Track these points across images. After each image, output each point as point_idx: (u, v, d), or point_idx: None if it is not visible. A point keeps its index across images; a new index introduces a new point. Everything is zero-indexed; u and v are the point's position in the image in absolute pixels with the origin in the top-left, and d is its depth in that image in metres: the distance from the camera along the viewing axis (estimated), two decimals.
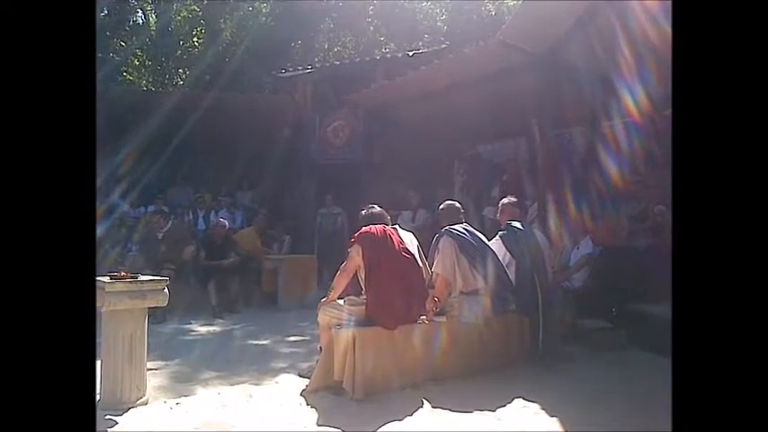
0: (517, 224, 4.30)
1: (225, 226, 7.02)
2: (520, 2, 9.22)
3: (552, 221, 6.20)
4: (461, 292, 3.81)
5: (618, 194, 6.29)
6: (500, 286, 3.90)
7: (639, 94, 5.55)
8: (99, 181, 6.88)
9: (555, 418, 2.95)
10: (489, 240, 4.27)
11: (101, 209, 6.96)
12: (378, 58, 10.52)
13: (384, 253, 3.50)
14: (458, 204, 4.22)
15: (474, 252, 3.85)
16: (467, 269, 3.80)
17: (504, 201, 4.54)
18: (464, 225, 4.02)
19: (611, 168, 6.25)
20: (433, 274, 3.79)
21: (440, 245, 3.84)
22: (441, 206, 4.26)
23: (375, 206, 3.85)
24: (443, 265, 3.76)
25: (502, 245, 4.19)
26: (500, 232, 4.32)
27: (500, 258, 4.13)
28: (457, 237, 3.85)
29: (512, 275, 4.10)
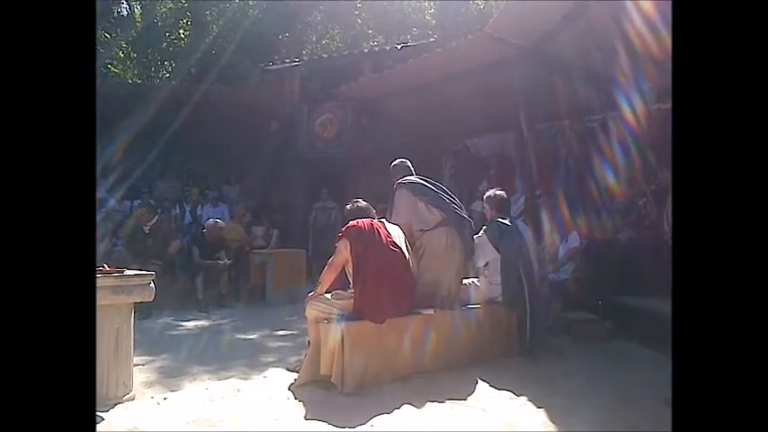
0: (502, 218, 4.32)
1: (221, 227, 6.98)
2: None
3: (539, 215, 6.24)
4: (422, 230, 3.93)
5: (604, 188, 6.33)
6: (459, 219, 4.04)
7: (627, 89, 5.58)
8: None
9: (542, 410, 2.97)
10: (475, 235, 4.29)
11: None
12: (366, 51, 10.47)
13: (372, 247, 3.50)
14: (407, 162, 4.35)
15: (429, 193, 4.03)
16: (424, 209, 3.96)
17: (488, 194, 4.55)
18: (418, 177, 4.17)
19: (598, 162, 6.29)
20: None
21: (395, 197, 4.06)
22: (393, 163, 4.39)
23: (360, 200, 3.86)
24: (399, 213, 3.96)
25: (487, 240, 4.21)
26: (484, 227, 4.34)
27: (484, 253, 4.16)
28: (410, 185, 4.06)
29: (497, 270, 4.13)
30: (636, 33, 4.79)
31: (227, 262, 6.73)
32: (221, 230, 6.94)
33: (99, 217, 7.01)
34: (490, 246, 4.18)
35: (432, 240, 3.93)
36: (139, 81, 13.70)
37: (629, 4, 4.57)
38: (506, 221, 4.30)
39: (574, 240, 5.37)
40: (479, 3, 15.23)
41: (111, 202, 8.05)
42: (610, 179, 6.27)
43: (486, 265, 4.23)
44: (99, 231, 6.49)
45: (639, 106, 5.83)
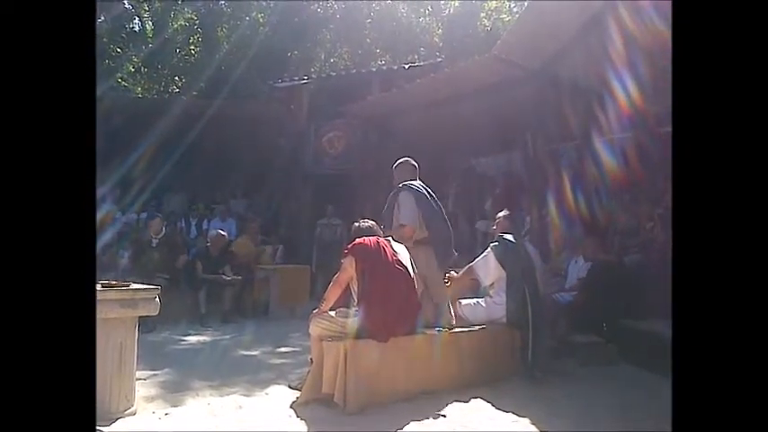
0: (509, 237, 4.32)
1: (225, 237, 6.99)
2: (515, 17, 9.31)
3: (545, 235, 6.23)
4: (415, 242, 3.96)
5: (610, 209, 6.33)
6: (443, 236, 4.05)
7: (635, 111, 5.60)
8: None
9: None
10: (481, 253, 4.29)
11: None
12: (374, 69, 10.59)
13: (377, 265, 3.50)
14: (413, 162, 4.34)
15: (426, 206, 4.03)
16: (420, 221, 3.98)
17: (501, 214, 4.59)
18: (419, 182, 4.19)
19: (605, 183, 6.29)
20: (400, 226, 3.96)
21: (401, 198, 4.03)
22: (396, 164, 4.37)
23: (367, 220, 3.87)
24: (408, 216, 3.97)
25: (493, 257, 4.20)
26: (492, 244, 4.33)
27: (490, 271, 4.16)
28: (415, 192, 4.05)
29: (502, 289, 4.12)
30: (643, 55, 4.83)
31: (233, 278, 6.70)
32: (226, 242, 6.94)
33: (106, 230, 7.07)
34: (497, 263, 4.17)
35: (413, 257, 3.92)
36: (149, 95, 13.88)
37: (636, 26, 4.61)
38: (513, 239, 4.30)
39: (583, 269, 5.34)
40: (487, 24, 15.41)
41: (119, 215, 8.11)
42: (616, 201, 6.27)
43: (492, 285, 4.22)
44: (106, 244, 6.53)
45: (647, 128, 5.85)
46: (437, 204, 4.15)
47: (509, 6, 16.08)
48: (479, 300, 4.30)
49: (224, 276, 6.62)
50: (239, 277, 6.75)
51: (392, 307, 3.44)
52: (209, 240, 7.06)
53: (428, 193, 4.13)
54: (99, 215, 7.19)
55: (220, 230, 7.16)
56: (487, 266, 4.22)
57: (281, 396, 3.54)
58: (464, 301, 4.30)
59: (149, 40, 15.02)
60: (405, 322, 3.55)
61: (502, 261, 4.17)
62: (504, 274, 4.16)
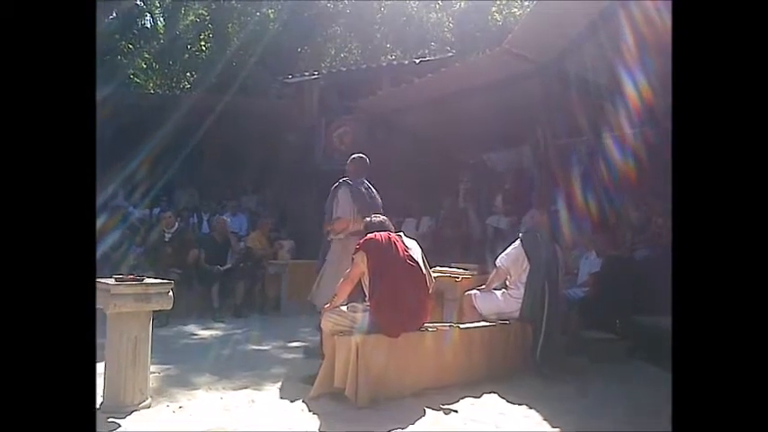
0: (538, 231, 4.33)
1: (225, 222, 7.03)
2: (527, 12, 9.25)
3: (557, 230, 6.19)
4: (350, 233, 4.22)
5: (621, 204, 6.29)
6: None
7: (644, 106, 5.55)
8: (104, 183, 6.93)
9: (557, 429, 2.94)
10: (510, 244, 4.33)
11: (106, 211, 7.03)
12: (384, 64, 10.55)
13: (389, 260, 3.51)
14: (366, 160, 4.71)
15: (362, 200, 4.37)
16: (355, 214, 4.25)
17: (534, 209, 4.64)
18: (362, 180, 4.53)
19: (615, 178, 6.25)
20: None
21: (339, 193, 4.42)
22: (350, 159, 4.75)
23: (379, 216, 3.88)
24: (344, 210, 4.31)
25: (522, 250, 4.19)
26: (522, 234, 4.33)
27: (517, 263, 4.19)
28: (351, 187, 4.43)
29: (521, 282, 4.12)
30: (654, 49, 4.77)
31: (233, 265, 6.72)
32: (227, 229, 6.99)
33: (118, 225, 7.14)
34: (524, 256, 4.16)
35: (344, 247, 4.14)
36: (160, 91, 13.94)
37: (647, 21, 4.57)
38: (541, 234, 4.30)
39: (595, 264, 5.31)
40: (498, 19, 15.30)
41: (131, 210, 8.18)
42: (627, 197, 6.22)
43: (511, 277, 4.22)
44: (118, 239, 6.59)
45: (658, 123, 5.80)
46: (373, 199, 4.49)
47: (520, 0, 15.96)
48: (495, 291, 4.28)
49: (219, 267, 6.64)
50: (227, 266, 6.72)
51: (403, 302, 3.45)
52: (212, 229, 7.12)
53: (367, 188, 4.50)
54: (110, 211, 7.27)
55: (223, 216, 7.23)
56: (515, 258, 4.20)
57: (293, 390, 3.56)
58: (477, 292, 4.28)
59: (160, 36, 15.09)
60: (416, 318, 3.56)
61: (529, 253, 4.16)
62: (527, 266, 4.15)
